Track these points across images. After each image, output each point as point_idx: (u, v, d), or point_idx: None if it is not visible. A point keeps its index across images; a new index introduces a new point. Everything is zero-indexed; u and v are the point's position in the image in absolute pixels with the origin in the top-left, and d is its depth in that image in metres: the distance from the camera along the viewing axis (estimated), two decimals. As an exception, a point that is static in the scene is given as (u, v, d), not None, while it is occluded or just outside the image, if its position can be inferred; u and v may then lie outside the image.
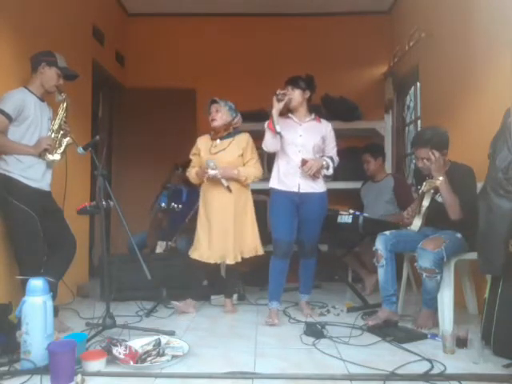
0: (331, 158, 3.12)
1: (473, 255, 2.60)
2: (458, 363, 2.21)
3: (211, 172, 3.11)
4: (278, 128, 2.93)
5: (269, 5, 5.00)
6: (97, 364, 2.13)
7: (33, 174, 2.70)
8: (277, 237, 3.04)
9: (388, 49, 5.11)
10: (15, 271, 2.73)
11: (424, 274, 2.69)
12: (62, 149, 2.81)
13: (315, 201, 3.07)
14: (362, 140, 4.79)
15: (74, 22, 3.82)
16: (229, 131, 3.29)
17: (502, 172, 2.27)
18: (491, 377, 2.04)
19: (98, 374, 2.10)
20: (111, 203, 2.79)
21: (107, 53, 4.70)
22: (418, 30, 4.19)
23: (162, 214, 4.00)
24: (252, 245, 3.24)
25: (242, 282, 3.67)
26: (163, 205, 3.72)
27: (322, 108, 4.65)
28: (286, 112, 3.12)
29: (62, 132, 2.83)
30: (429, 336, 2.62)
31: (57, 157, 2.78)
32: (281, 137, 3.00)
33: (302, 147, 3.04)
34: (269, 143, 3.02)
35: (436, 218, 2.88)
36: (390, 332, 2.62)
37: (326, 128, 3.15)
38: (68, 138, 2.84)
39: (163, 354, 2.24)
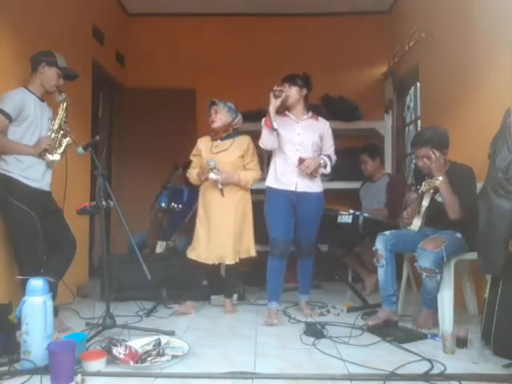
0: (329, 157, 3.10)
1: (473, 255, 2.60)
2: (458, 363, 2.21)
3: (214, 177, 3.11)
4: (275, 125, 2.92)
5: (269, 5, 5.00)
6: (97, 364, 2.13)
7: (33, 174, 2.70)
8: (274, 236, 3.04)
9: (388, 49, 5.11)
10: (15, 271, 2.73)
11: (424, 274, 2.69)
12: (62, 149, 2.81)
13: (312, 201, 3.07)
14: (362, 140, 4.79)
15: (74, 22, 3.82)
16: (228, 132, 3.30)
17: (502, 172, 2.27)
18: (491, 377, 2.04)
19: (98, 374, 2.10)
20: (111, 203, 2.79)
21: (107, 53, 4.70)
22: (417, 30, 4.19)
23: (161, 214, 4.01)
24: (248, 246, 3.25)
25: (241, 282, 3.67)
26: (163, 205, 3.73)
27: (322, 108, 4.65)
28: (283, 110, 3.11)
29: (61, 132, 2.83)
30: (429, 336, 2.62)
31: (57, 157, 2.78)
32: (278, 134, 2.99)
33: (300, 145, 3.04)
34: (266, 140, 3.01)
35: (436, 218, 2.88)
36: (390, 332, 2.62)
37: (323, 126, 3.14)
38: (68, 138, 2.84)
39: (163, 354, 2.24)
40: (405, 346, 2.44)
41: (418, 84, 4.49)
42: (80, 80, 3.14)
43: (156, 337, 2.39)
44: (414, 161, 4.64)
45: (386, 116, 4.91)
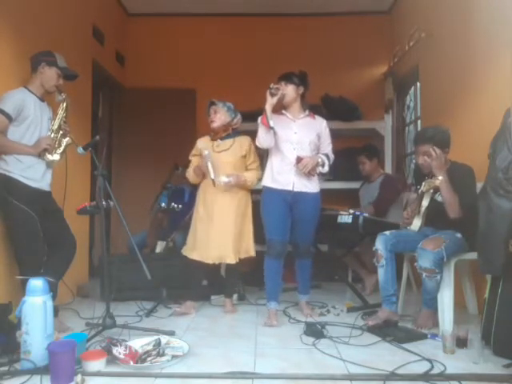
0: (326, 156, 3.08)
1: (473, 255, 2.60)
2: (458, 363, 2.21)
3: (225, 179, 3.13)
4: (271, 123, 2.90)
5: (269, 5, 5.00)
6: (97, 364, 2.13)
7: (33, 174, 2.70)
8: (270, 237, 3.03)
9: (388, 49, 5.11)
10: (15, 271, 2.73)
11: (424, 274, 2.69)
12: (62, 149, 2.81)
13: (309, 201, 3.05)
14: (362, 140, 4.78)
15: (74, 21, 3.82)
16: (228, 132, 3.30)
17: (502, 172, 2.27)
18: (491, 377, 2.04)
19: (98, 374, 2.10)
20: (111, 203, 2.78)
21: (107, 53, 4.71)
22: (417, 30, 4.19)
23: (161, 214, 4.00)
24: (247, 246, 3.25)
25: (241, 282, 3.67)
26: (163, 205, 3.73)
27: (322, 108, 4.65)
28: (279, 109, 3.09)
29: (61, 132, 2.83)
30: (429, 336, 2.62)
31: (56, 157, 2.78)
32: (274, 132, 2.97)
33: (297, 144, 3.01)
34: (262, 139, 2.98)
35: (436, 217, 2.88)
36: (390, 332, 2.62)
37: (320, 125, 3.12)
38: (67, 138, 2.84)
39: (163, 354, 2.24)
40: (405, 345, 2.44)
41: (418, 84, 4.49)
42: (80, 80, 3.14)
43: (156, 337, 2.39)
44: (414, 161, 4.66)
45: (385, 116, 4.91)
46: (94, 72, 4.26)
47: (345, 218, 3.31)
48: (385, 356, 2.32)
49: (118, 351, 2.21)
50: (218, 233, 3.18)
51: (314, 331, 2.66)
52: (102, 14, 4.52)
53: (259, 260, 3.24)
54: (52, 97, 2.87)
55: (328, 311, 3.26)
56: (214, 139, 3.31)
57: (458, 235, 2.80)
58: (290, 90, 3.04)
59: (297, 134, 3.03)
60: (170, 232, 3.89)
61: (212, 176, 3.14)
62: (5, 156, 2.65)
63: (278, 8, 5.08)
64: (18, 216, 2.63)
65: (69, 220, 2.92)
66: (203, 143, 3.33)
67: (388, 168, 4.72)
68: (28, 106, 2.68)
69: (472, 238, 2.57)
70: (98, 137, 2.96)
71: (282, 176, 3.02)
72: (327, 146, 3.13)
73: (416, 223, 2.88)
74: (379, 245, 2.89)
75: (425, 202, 2.85)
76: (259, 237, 3.26)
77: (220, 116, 3.25)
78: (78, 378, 1.98)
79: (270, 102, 2.93)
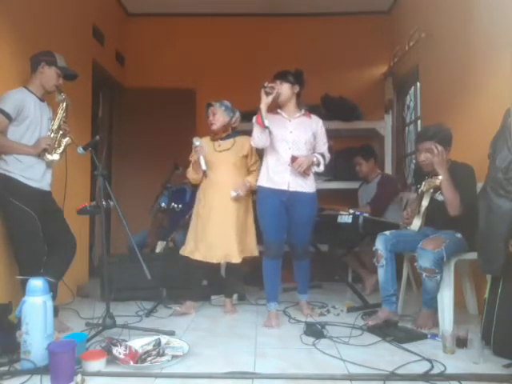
0: (322, 155, 3.06)
1: (473, 255, 2.60)
2: (458, 363, 2.21)
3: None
4: (266, 122, 2.86)
5: (269, 5, 5.00)
6: (97, 364, 2.13)
7: (33, 173, 2.70)
8: (267, 238, 3.02)
9: (388, 49, 5.11)
10: (15, 271, 2.72)
11: (424, 274, 2.69)
12: (62, 149, 2.81)
13: (305, 204, 3.02)
14: (362, 140, 4.79)
15: (74, 21, 3.82)
16: (228, 132, 3.31)
17: (502, 172, 2.27)
18: (491, 377, 2.04)
19: (98, 374, 2.10)
20: (111, 203, 2.79)
21: (107, 53, 4.71)
22: (418, 30, 4.18)
23: (161, 214, 4.00)
24: (250, 245, 3.26)
25: (242, 281, 3.67)
26: (163, 205, 3.72)
27: (322, 108, 4.66)
28: (274, 108, 3.06)
29: (61, 132, 2.83)
30: (429, 336, 2.62)
31: (56, 157, 2.78)
32: (270, 132, 2.94)
33: (293, 144, 2.98)
34: (257, 138, 2.94)
35: (436, 217, 2.89)
36: (390, 332, 2.62)
37: (316, 124, 3.09)
38: (67, 138, 2.84)
39: (163, 354, 2.24)
40: (405, 345, 2.44)
41: (418, 84, 4.49)
42: (80, 80, 3.14)
43: (156, 337, 2.39)
44: (414, 161, 4.66)
45: (386, 116, 4.91)
46: (94, 72, 4.26)
47: (345, 218, 3.31)
48: (385, 356, 2.32)
49: (118, 351, 2.21)
50: (221, 232, 3.17)
51: (314, 331, 2.66)
52: (102, 14, 4.52)
53: (259, 260, 3.24)
54: (52, 97, 2.87)
55: (328, 311, 3.26)
56: (214, 140, 3.32)
57: (458, 235, 2.80)
58: (285, 89, 3.00)
59: (292, 134, 3.00)
60: (171, 232, 3.88)
61: (203, 167, 3.16)
62: (5, 156, 2.65)
63: (278, 8, 5.08)
64: (18, 216, 2.63)
65: (69, 220, 2.92)
66: (204, 144, 3.32)
67: (388, 168, 4.72)
68: (28, 105, 2.68)
69: (472, 237, 2.57)
70: (97, 137, 2.96)
71: (277, 176, 2.99)
72: (323, 146, 3.11)
73: (416, 223, 2.88)
74: (379, 245, 2.89)
75: (425, 202, 2.85)
76: (258, 237, 3.26)
77: (218, 117, 3.25)
78: (78, 378, 1.98)
79: (265, 100, 2.88)
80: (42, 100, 2.81)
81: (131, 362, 2.17)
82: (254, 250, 3.26)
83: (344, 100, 4.74)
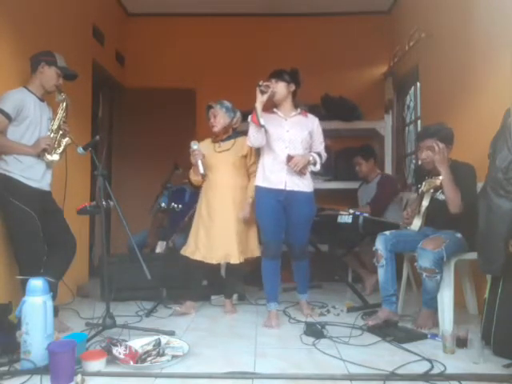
0: (319, 154, 3.04)
1: (473, 255, 2.60)
2: (458, 363, 2.21)
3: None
4: (261, 121, 2.83)
5: (269, 5, 5.00)
6: (97, 364, 2.13)
7: (33, 174, 2.70)
8: (265, 238, 3.02)
9: (388, 49, 5.11)
10: (15, 271, 2.72)
11: (424, 274, 2.69)
12: (61, 149, 2.81)
13: (303, 204, 3.00)
14: (362, 140, 4.79)
15: (74, 21, 3.82)
16: (229, 133, 3.31)
17: (502, 172, 2.27)
18: (491, 377, 2.04)
19: (98, 374, 2.10)
20: (111, 203, 2.79)
21: (107, 53, 4.71)
22: (418, 30, 4.18)
23: (161, 214, 4.00)
24: (252, 246, 3.26)
25: (241, 281, 3.67)
26: (163, 205, 3.72)
27: (322, 108, 4.66)
28: (270, 107, 3.04)
29: (61, 132, 2.83)
30: (429, 336, 2.62)
31: (56, 157, 2.78)
32: (265, 131, 2.92)
33: (290, 143, 2.96)
34: (253, 137, 2.92)
35: (436, 217, 2.88)
36: (390, 332, 2.62)
37: (312, 123, 3.07)
38: (67, 139, 2.83)
39: (163, 354, 2.24)
40: (405, 345, 2.44)
41: (418, 84, 4.49)
42: (80, 80, 3.14)
43: (156, 337, 2.39)
44: (414, 161, 4.66)
45: (385, 116, 4.91)
46: (94, 72, 4.26)
47: (345, 218, 3.31)
48: (385, 356, 2.32)
49: (118, 351, 2.21)
50: (222, 233, 3.17)
51: (314, 331, 2.66)
52: (102, 14, 4.52)
53: (259, 260, 3.24)
54: (52, 97, 2.87)
55: (328, 311, 3.26)
56: (215, 141, 3.32)
57: (458, 235, 2.80)
58: (280, 88, 2.98)
59: (289, 133, 2.98)
60: (171, 232, 3.88)
61: (201, 171, 3.17)
62: (5, 156, 2.65)
63: (278, 8, 5.08)
64: (18, 216, 2.63)
65: (69, 220, 2.92)
66: (205, 145, 3.33)
67: (388, 168, 4.72)
68: (27, 105, 2.68)
69: (472, 237, 2.57)
70: (98, 137, 2.96)
71: (273, 175, 2.97)
72: (319, 145, 3.09)
73: (416, 223, 2.88)
74: (379, 245, 2.89)
75: (425, 202, 2.86)
76: (258, 237, 3.26)
77: (219, 119, 3.25)
78: (78, 377, 1.98)
79: (260, 99, 2.86)
80: (41, 100, 2.81)
81: (131, 362, 2.17)
82: (255, 250, 3.25)
83: (344, 100, 4.74)
